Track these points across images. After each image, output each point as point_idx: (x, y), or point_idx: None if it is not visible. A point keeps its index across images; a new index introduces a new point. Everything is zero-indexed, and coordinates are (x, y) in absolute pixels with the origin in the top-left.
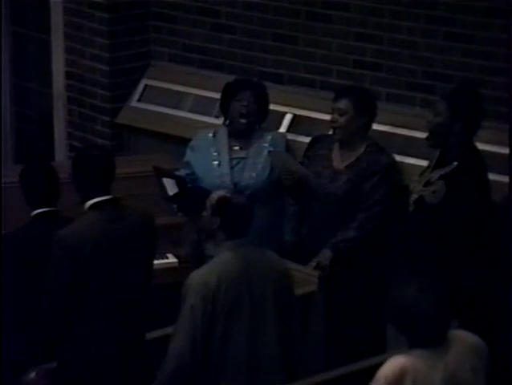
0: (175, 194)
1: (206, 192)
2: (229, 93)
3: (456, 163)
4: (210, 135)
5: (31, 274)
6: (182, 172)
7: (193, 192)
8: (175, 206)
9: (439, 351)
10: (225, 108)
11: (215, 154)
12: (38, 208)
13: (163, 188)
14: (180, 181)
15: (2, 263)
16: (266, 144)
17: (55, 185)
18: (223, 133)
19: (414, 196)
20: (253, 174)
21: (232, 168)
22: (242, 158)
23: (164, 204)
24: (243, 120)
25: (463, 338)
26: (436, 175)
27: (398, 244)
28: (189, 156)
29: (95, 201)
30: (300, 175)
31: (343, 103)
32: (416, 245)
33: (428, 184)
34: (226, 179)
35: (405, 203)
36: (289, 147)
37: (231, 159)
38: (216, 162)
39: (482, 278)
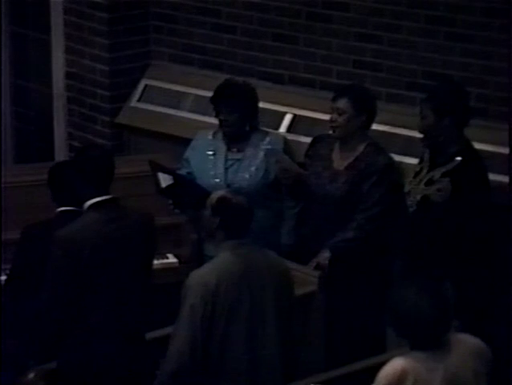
0: (168, 186)
1: (203, 190)
2: (212, 103)
3: (459, 158)
4: (210, 135)
5: (41, 271)
6: (183, 171)
7: (188, 186)
8: (170, 202)
9: (440, 353)
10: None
11: (211, 154)
12: (64, 206)
13: (157, 182)
14: (177, 177)
15: (16, 254)
16: (264, 146)
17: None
18: (222, 134)
19: (416, 197)
20: (246, 176)
21: (226, 168)
22: (238, 159)
23: (164, 204)
24: (226, 129)
25: (465, 342)
26: (438, 173)
27: (400, 244)
28: (189, 153)
29: (94, 201)
30: (296, 174)
31: (341, 103)
32: (421, 245)
33: (430, 183)
34: (220, 179)
35: (404, 203)
36: (288, 148)
37: (227, 160)
38: (211, 162)
39: (483, 278)
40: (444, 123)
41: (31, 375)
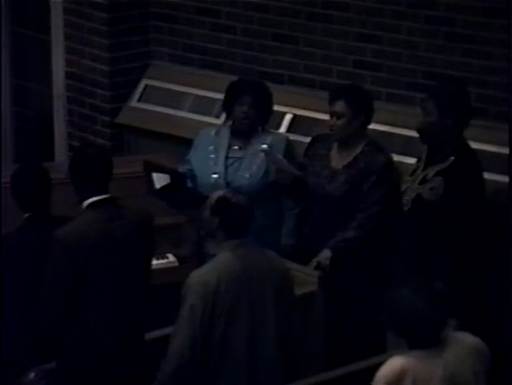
0: (162, 187)
1: (199, 195)
2: (231, 95)
3: (452, 158)
4: (213, 132)
5: (26, 276)
6: (184, 168)
7: (186, 190)
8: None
9: (438, 351)
10: (228, 109)
11: (213, 152)
12: (30, 212)
13: (151, 182)
14: (175, 176)
15: None
16: (265, 146)
17: (47, 187)
18: (225, 132)
19: (411, 195)
20: (247, 175)
21: (227, 167)
22: (239, 158)
23: (165, 204)
24: (245, 121)
25: (464, 340)
26: (432, 172)
27: (395, 243)
28: (191, 153)
29: (92, 200)
30: (293, 175)
31: (339, 106)
32: (415, 244)
33: (424, 181)
34: (220, 177)
35: (400, 202)
36: (289, 148)
37: (228, 158)
38: (212, 160)
39: (482, 277)
40: (446, 122)
41: (31, 375)
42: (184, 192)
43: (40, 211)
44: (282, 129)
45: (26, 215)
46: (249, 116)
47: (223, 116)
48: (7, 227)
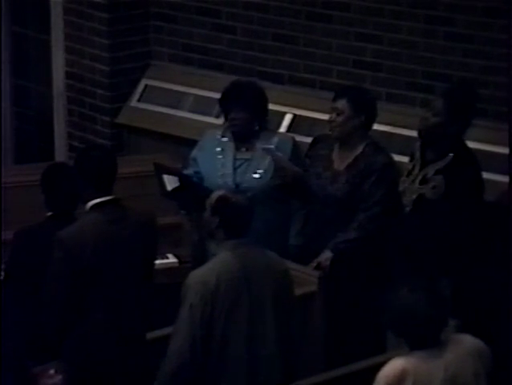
0: (174, 189)
1: (208, 191)
2: (222, 100)
3: (451, 155)
4: (219, 134)
5: (34, 275)
6: (190, 170)
7: (194, 188)
8: (176, 203)
9: (439, 353)
10: (223, 113)
11: (220, 154)
12: (55, 210)
13: (162, 184)
14: (183, 177)
15: (10, 259)
16: (272, 147)
17: (75, 188)
18: (230, 134)
19: (412, 196)
20: (256, 176)
21: (235, 168)
22: (247, 159)
23: (165, 204)
24: (235, 127)
25: (465, 341)
26: (431, 170)
27: (397, 244)
28: (196, 153)
29: (96, 202)
30: (293, 173)
31: (340, 103)
32: (418, 244)
33: (424, 181)
34: (228, 179)
35: (401, 203)
36: (296, 150)
37: (235, 159)
38: (220, 162)
39: (482, 277)
40: (454, 125)
41: (52, 371)
42: (195, 192)
43: (64, 211)
44: (282, 129)
45: (49, 214)
46: (237, 120)
47: (223, 116)
48: (7, 227)
